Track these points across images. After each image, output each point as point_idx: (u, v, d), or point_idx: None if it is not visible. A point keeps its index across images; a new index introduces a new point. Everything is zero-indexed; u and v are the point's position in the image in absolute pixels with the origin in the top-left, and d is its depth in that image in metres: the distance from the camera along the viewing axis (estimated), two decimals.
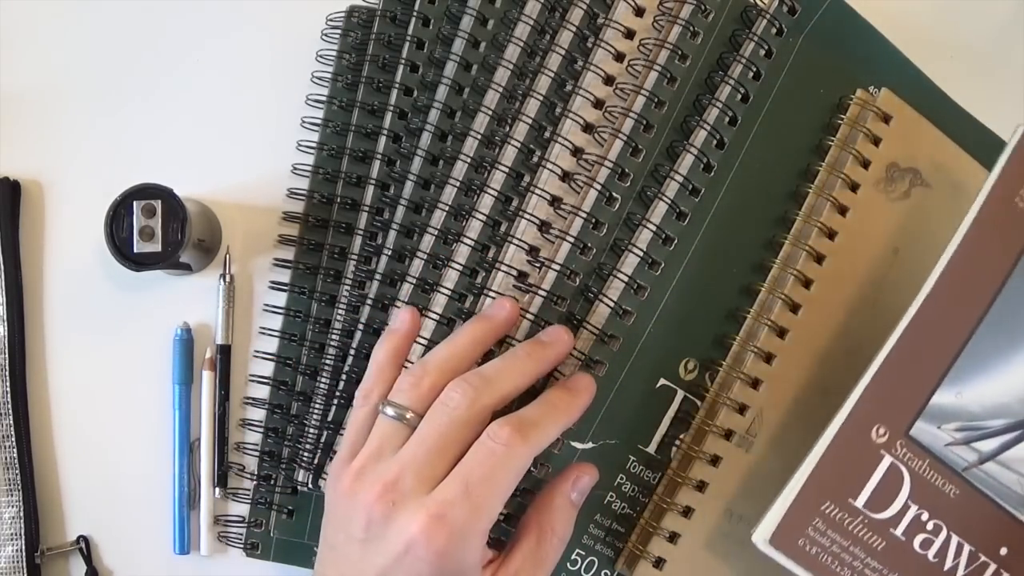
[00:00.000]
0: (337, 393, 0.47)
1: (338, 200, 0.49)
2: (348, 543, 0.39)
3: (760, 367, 0.45)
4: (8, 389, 0.49)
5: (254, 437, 0.50)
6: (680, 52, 0.44)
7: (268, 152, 0.51)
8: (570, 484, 0.42)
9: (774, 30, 0.45)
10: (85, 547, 0.50)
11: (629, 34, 0.45)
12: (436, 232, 0.45)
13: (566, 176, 0.44)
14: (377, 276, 0.47)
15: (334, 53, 0.51)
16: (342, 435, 0.44)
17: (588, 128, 0.45)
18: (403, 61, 0.48)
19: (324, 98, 0.50)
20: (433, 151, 0.47)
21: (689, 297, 0.45)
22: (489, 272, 0.44)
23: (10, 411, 0.49)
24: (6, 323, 0.49)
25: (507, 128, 0.46)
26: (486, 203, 0.45)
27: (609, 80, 0.45)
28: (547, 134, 0.45)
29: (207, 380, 0.50)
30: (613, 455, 0.45)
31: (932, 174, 0.47)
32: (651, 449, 0.46)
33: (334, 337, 0.48)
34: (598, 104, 0.45)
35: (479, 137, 0.45)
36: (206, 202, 0.51)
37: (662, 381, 0.46)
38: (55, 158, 0.51)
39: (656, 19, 0.45)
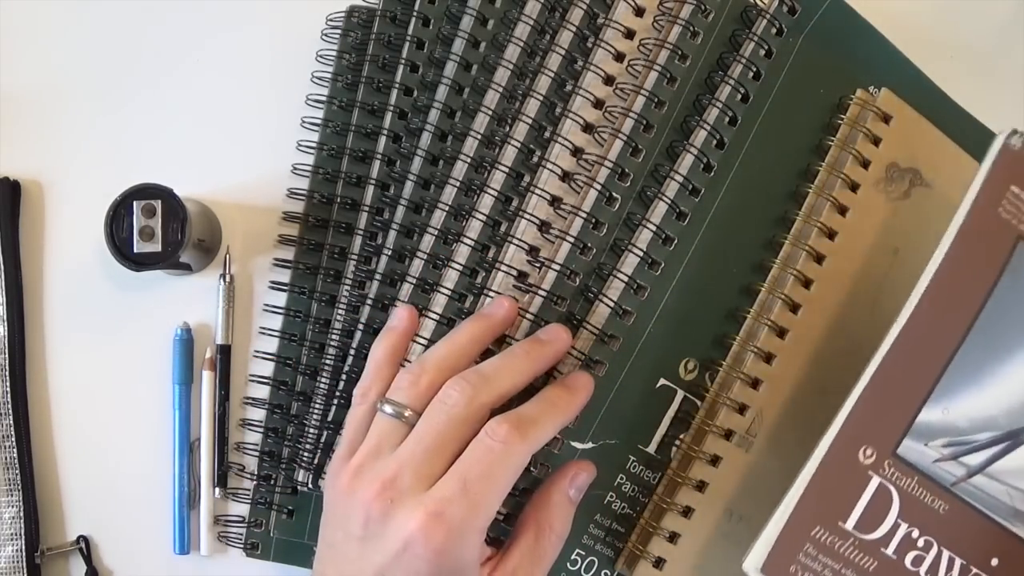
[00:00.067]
0: (337, 393, 0.47)
1: (338, 200, 0.49)
2: (347, 541, 0.39)
3: (760, 367, 0.45)
4: (8, 389, 0.49)
5: (254, 437, 0.50)
6: (680, 52, 0.44)
7: (268, 152, 0.51)
8: (568, 481, 0.42)
9: (774, 30, 0.45)
10: (85, 547, 0.50)
11: (629, 34, 0.45)
12: (436, 232, 0.45)
13: (566, 176, 0.44)
14: (377, 276, 0.47)
15: (334, 53, 0.51)
16: (342, 435, 0.44)
17: (588, 128, 0.45)
18: (403, 61, 0.48)
19: (324, 98, 0.50)
20: (433, 151, 0.47)
21: (689, 297, 0.45)
22: (489, 272, 0.44)
23: (10, 411, 0.49)
24: (6, 323, 0.49)
25: (507, 128, 0.46)
26: (486, 203, 0.45)
27: (609, 80, 0.45)
28: (547, 134, 0.45)
29: (207, 380, 0.50)
30: (613, 455, 0.45)
31: (932, 174, 0.47)
32: (651, 449, 0.46)
33: (334, 337, 0.48)
34: (598, 104, 0.45)
35: (479, 137, 0.45)
36: (206, 202, 0.51)
37: (662, 381, 0.46)
38: (55, 158, 0.51)
39: (656, 19, 0.45)
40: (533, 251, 0.44)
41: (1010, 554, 0.42)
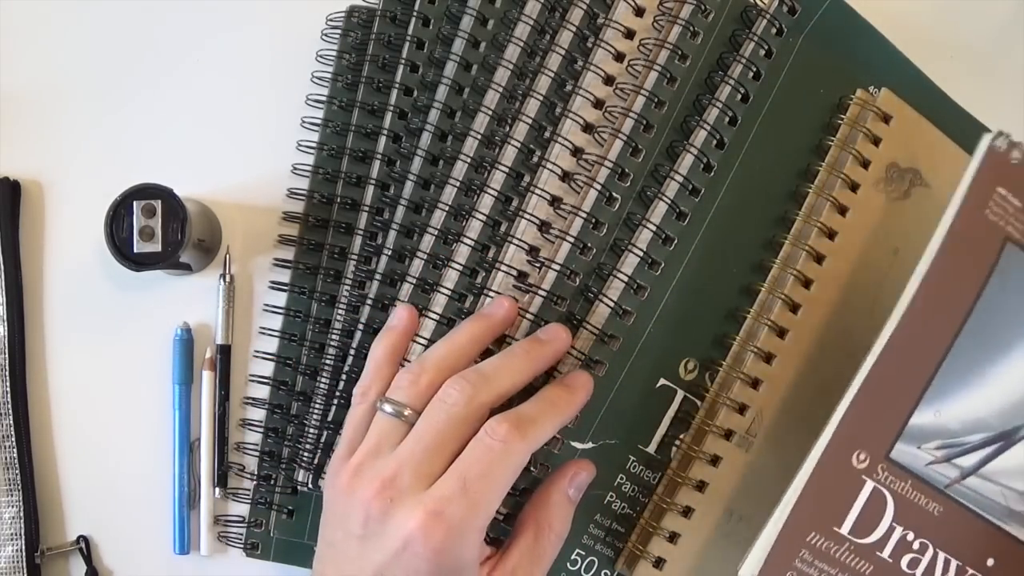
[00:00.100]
0: (337, 393, 0.47)
1: (338, 200, 0.49)
2: (346, 540, 0.39)
3: (760, 367, 0.45)
4: (8, 389, 0.49)
5: (254, 437, 0.50)
6: (680, 52, 0.44)
7: (268, 152, 0.51)
8: (567, 480, 0.42)
9: (774, 30, 0.45)
10: (85, 547, 0.50)
11: (629, 34, 0.45)
12: (436, 232, 0.45)
13: (566, 176, 0.44)
14: (377, 276, 0.47)
15: (334, 53, 0.51)
16: (342, 434, 0.43)
17: (588, 128, 0.45)
18: (403, 61, 0.48)
19: (324, 98, 0.50)
20: (433, 151, 0.47)
21: (689, 297, 0.45)
22: (489, 272, 0.44)
23: (10, 411, 0.49)
24: (6, 323, 0.49)
25: (507, 128, 0.46)
26: (486, 203, 0.45)
27: (609, 80, 0.45)
28: (547, 134, 0.45)
29: (207, 380, 0.50)
30: (613, 455, 0.45)
31: (932, 174, 0.47)
32: (651, 449, 0.46)
33: (334, 337, 0.48)
34: (598, 104, 0.45)
35: (479, 137, 0.45)
36: (206, 202, 0.51)
37: (662, 381, 0.46)
38: (55, 158, 0.51)
39: (656, 19, 0.45)
40: (533, 251, 0.44)
41: (1006, 554, 0.42)
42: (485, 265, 0.45)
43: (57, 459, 0.50)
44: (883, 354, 0.40)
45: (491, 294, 0.43)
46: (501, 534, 0.42)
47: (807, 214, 0.46)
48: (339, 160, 0.49)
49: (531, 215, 0.44)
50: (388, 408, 0.40)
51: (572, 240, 0.43)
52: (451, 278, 0.44)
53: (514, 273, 0.44)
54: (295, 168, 0.51)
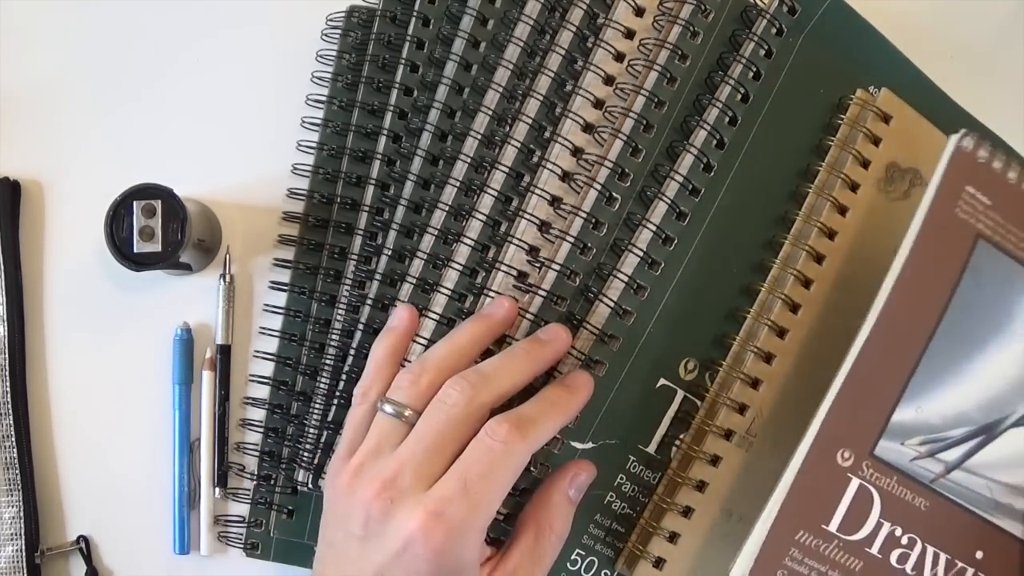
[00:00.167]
0: (337, 393, 0.47)
1: (338, 200, 0.49)
2: (347, 540, 0.39)
3: (760, 367, 0.45)
4: (8, 389, 0.49)
5: (254, 437, 0.50)
6: (680, 52, 0.44)
7: (268, 152, 0.51)
8: (567, 481, 0.42)
9: (774, 30, 0.45)
10: (85, 547, 0.50)
11: (629, 34, 0.45)
12: (436, 232, 0.45)
13: (566, 176, 0.44)
14: (377, 276, 0.47)
15: (334, 53, 0.51)
16: (342, 434, 0.44)
17: (588, 128, 0.45)
18: (403, 61, 0.48)
19: (324, 98, 0.50)
20: (433, 151, 0.47)
21: (689, 297, 0.45)
22: (489, 272, 0.44)
23: (10, 411, 0.49)
24: (6, 323, 0.49)
25: (507, 128, 0.46)
26: (486, 203, 0.45)
27: (609, 80, 0.45)
28: (547, 134, 0.45)
29: (207, 380, 0.50)
30: (613, 455, 0.45)
31: (932, 174, 0.47)
32: (651, 449, 0.46)
33: (334, 337, 0.48)
34: (598, 104, 0.45)
35: (479, 137, 0.45)
36: (206, 202, 0.51)
37: (662, 381, 0.46)
38: (55, 158, 0.51)
39: (656, 19, 0.45)
40: (533, 251, 0.44)
41: (994, 546, 0.42)
42: (485, 265, 0.45)
43: (57, 459, 0.50)
44: (862, 353, 0.40)
45: (491, 294, 0.43)
46: (501, 534, 0.43)
47: (807, 214, 0.46)
48: (339, 160, 0.49)
49: (531, 215, 0.44)
50: (388, 408, 0.40)
51: (572, 240, 0.43)
52: (451, 278, 0.44)
53: (514, 273, 0.44)
54: (295, 168, 0.51)
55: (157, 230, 0.46)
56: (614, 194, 0.44)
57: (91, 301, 0.51)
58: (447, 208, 0.45)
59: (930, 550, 0.42)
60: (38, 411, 0.50)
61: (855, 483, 0.41)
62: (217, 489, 0.50)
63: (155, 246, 0.46)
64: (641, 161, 0.44)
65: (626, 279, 0.44)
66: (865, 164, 0.46)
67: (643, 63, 0.45)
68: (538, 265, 0.44)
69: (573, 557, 0.46)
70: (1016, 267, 0.42)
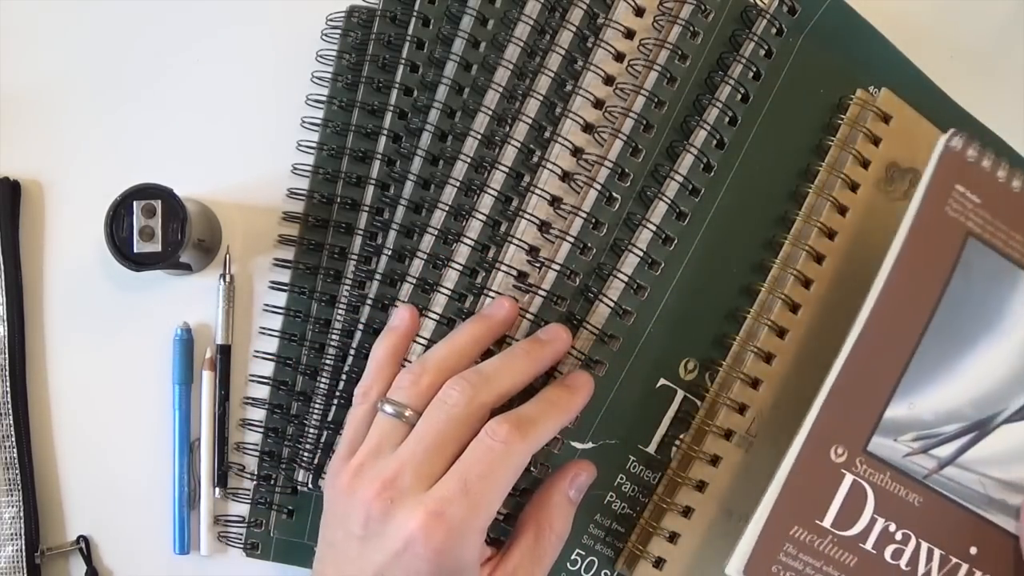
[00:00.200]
0: (337, 393, 0.47)
1: (338, 200, 0.49)
2: (347, 540, 0.39)
3: (760, 367, 0.45)
4: (8, 389, 0.49)
5: (254, 437, 0.50)
6: (680, 52, 0.44)
7: (268, 152, 0.51)
8: (568, 481, 0.42)
9: (774, 30, 0.45)
10: (85, 547, 0.50)
11: (629, 34, 0.45)
12: (436, 232, 0.45)
13: (566, 176, 0.44)
14: (377, 276, 0.47)
15: (334, 53, 0.51)
16: (342, 434, 0.44)
17: (588, 128, 0.45)
18: (403, 61, 0.48)
19: (324, 98, 0.50)
20: (433, 151, 0.47)
21: (689, 297, 0.45)
22: (489, 272, 0.44)
23: (10, 411, 0.49)
24: (6, 323, 0.49)
25: (507, 128, 0.46)
26: (486, 203, 0.45)
27: (609, 80, 0.45)
28: (547, 134, 0.45)
29: (207, 380, 0.50)
30: (613, 455, 0.45)
31: None
32: (651, 449, 0.46)
33: (334, 337, 0.48)
34: (598, 104, 0.45)
35: (479, 137, 0.45)
36: (206, 202, 0.51)
37: (662, 381, 0.46)
38: (55, 158, 0.51)
39: (656, 19, 0.45)
40: (533, 251, 0.44)
41: (987, 542, 0.43)
42: (485, 265, 0.45)
43: (57, 459, 0.50)
44: (854, 350, 0.41)
45: (491, 294, 0.43)
46: (501, 535, 0.43)
47: (807, 214, 0.46)
48: (339, 160, 0.49)
49: (531, 215, 0.44)
50: (389, 408, 0.40)
51: (572, 240, 0.43)
52: (451, 278, 0.44)
53: (514, 273, 0.44)
54: (295, 168, 0.51)
55: (157, 230, 0.46)
56: (614, 194, 0.44)
57: (91, 301, 0.51)
58: (447, 208, 0.45)
59: (924, 546, 0.42)
60: (38, 411, 0.50)
61: (849, 479, 0.41)
62: (217, 489, 0.50)
63: (155, 246, 0.46)
64: (641, 161, 0.44)
65: (626, 279, 0.44)
66: (865, 164, 0.46)
67: (643, 63, 0.45)
68: (538, 265, 0.44)
69: (573, 557, 0.46)
70: (1006, 264, 0.43)
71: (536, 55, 0.46)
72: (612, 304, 0.43)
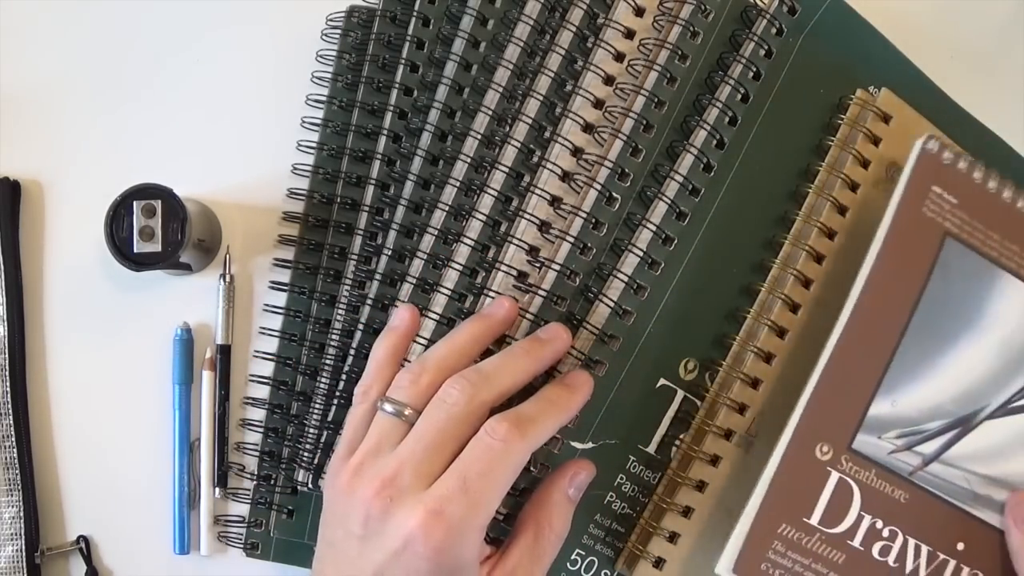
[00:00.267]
0: (337, 393, 0.47)
1: (338, 200, 0.49)
2: (346, 539, 0.39)
3: (760, 367, 0.45)
4: (8, 389, 0.49)
5: (254, 437, 0.50)
6: (680, 52, 0.44)
7: (268, 152, 0.51)
8: (567, 480, 0.42)
9: (774, 30, 0.45)
10: (85, 547, 0.50)
11: (629, 34, 0.45)
12: (436, 232, 0.45)
13: (566, 176, 0.44)
14: (377, 276, 0.47)
15: (334, 53, 0.51)
16: (342, 434, 0.44)
17: (588, 128, 0.45)
18: (403, 61, 0.48)
19: (324, 98, 0.50)
20: (433, 151, 0.47)
21: (689, 297, 0.45)
22: (489, 272, 0.44)
23: (10, 411, 0.49)
24: (6, 323, 0.49)
25: (507, 128, 0.46)
26: (486, 203, 0.45)
27: (609, 80, 0.45)
28: (547, 134, 0.45)
29: (207, 380, 0.50)
30: (613, 455, 0.45)
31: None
32: (651, 449, 0.46)
33: (334, 337, 0.48)
34: (598, 104, 0.45)
35: (479, 137, 0.45)
36: (206, 202, 0.51)
37: (662, 381, 0.46)
38: (55, 158, 0.51)
39: (656, 19, 0.45)
40: (533, 251, 0.44)
41: (974, 537, 0.43)
42: (485, 265, 0.45)
43: (57, 459, 0.50)
44: (837, 349, 0.42)
45: (491, 294, 0.43)
46: (501, 534, 0.42)
47: (807, 214, 0.46)
48: (339, 160, 0.49)
49: (531, 215, 0.44)
50: (388, 408, 0.40)
51: (572, 240, 0.43)
52: (451, 278, 0.44)
53: (514, 273, 0.44)
54: (295, 168, 0.51)
55: (157, 230, 0.46)
56: (614, 194, 0.44)
57: (91, 301, 0.51)
58: (447, 208, 0.45)
59: (911, 542, 0.42)
60: (38, 411, 0.50)
61: (835, 476, 0.42)
62: (217, 489, 0.50)
63: (155, 246, 0.46)
64: (641, 161, 0.44)
65: (626, 279, 0.44)
66: (865, 164, 0.46)
67: (643, 63, 0.45)
68: (538, 265, 0.44)
69: (573, 557, 0.46)
70: (983, 263, 0.43)
71: (536, 55, 0.46)
72: (612, 304, 0.43)
